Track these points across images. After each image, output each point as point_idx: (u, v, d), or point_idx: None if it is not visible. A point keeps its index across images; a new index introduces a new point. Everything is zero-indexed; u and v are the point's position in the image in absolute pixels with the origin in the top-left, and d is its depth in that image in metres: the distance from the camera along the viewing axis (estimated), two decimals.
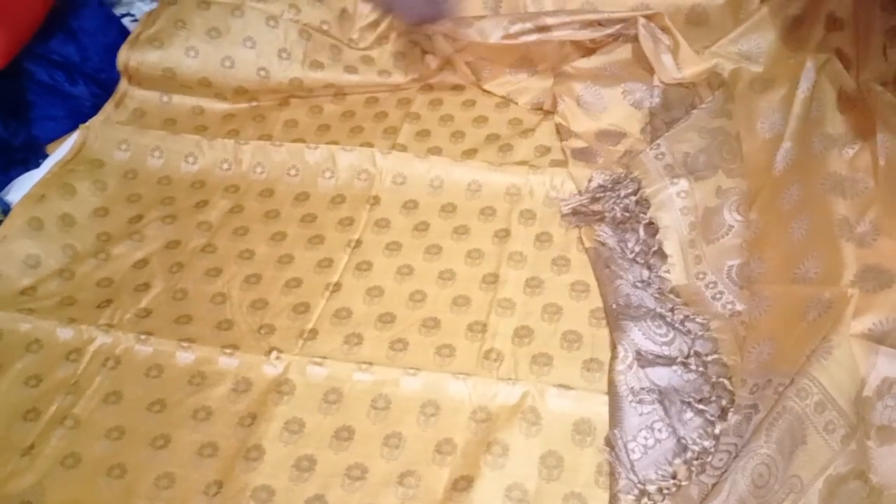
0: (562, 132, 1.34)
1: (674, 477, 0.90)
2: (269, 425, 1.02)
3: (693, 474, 0.89)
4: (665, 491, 0.89)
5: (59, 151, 1.44)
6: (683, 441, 0.92)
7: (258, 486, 0.96)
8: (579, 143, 1.31)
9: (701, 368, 0.98)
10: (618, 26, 1.34)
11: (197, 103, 1.54)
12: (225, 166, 1.42)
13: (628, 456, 0.91)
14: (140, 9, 1.66)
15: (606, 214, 1.18)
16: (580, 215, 1.21)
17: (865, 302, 0.90)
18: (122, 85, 1.54)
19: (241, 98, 1.53)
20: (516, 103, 1.46)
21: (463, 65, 1.49)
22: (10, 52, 1.37)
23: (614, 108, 1.35)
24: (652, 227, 1.14)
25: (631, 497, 0.89)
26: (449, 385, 1.03)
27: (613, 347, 1.02)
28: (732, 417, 0.91)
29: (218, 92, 1.51)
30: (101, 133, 1.46)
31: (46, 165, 1.41)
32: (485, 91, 1.50)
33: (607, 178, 1.23)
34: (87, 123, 1.47)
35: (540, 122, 1.40)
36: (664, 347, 1.01)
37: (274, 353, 1.09)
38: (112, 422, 1.05)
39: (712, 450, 0.90)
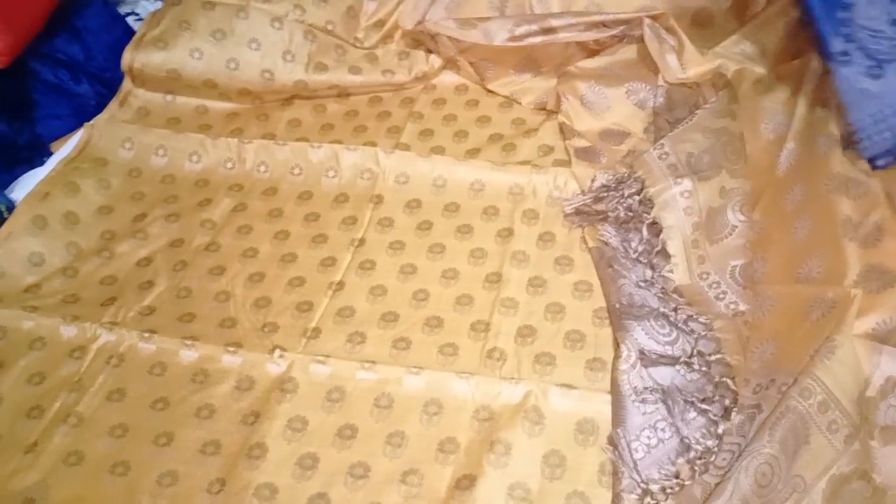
0: (565, 131, 1.34)
1: (677, 476, 0.90)
2: (272, 423, 1.02)
3: (696, 474, 0.89)
4: (668, 490, 0.89)
5: (64, 150, 1.45)
6: (686, 440, 0.92)
7: (261, 483, 0.96)
8: (583, 143, 1.31)
9: (704, 368, 0.98)
10: (622, 27, 1.34)
11: (201, 103, 1.54)
12: (229, 165, 1.42)
13: (631, 455, 0.91)
14: (145, 7, 1.67)
15: (610, 214, 1.18)
16: (583, 215, 1.21)
17: (869, 302, 0.90)
18: (126, 84, 1.55)
19: (245, 99, 1.53)
20: (520, 103, 1.46)
21: (467, 65, 1.49)
22: (14, 50, 1.38)
23: (618, 108, 1.35)
24: (655, 227, 1.14)
25: (634, 496, 0.89)
26: (452, 384, 1.03)
27: (616, 347, 1.02)
28: (736, 417, 0.91)
29: (222, 93, 1.52)
30: (105, 131, 1.46)
31: (51, 164, 1.42)
32: (488, 91, 1.50)
33: (611, 177, 1.23)
34: (91, 122, 1.48)
35: (543, 122, 1.40)
36: (667, 347, 1.01)
37: (277, 352, 1.09)
38: (115, 419, 1.05)
39: (715, 449, 0.90)
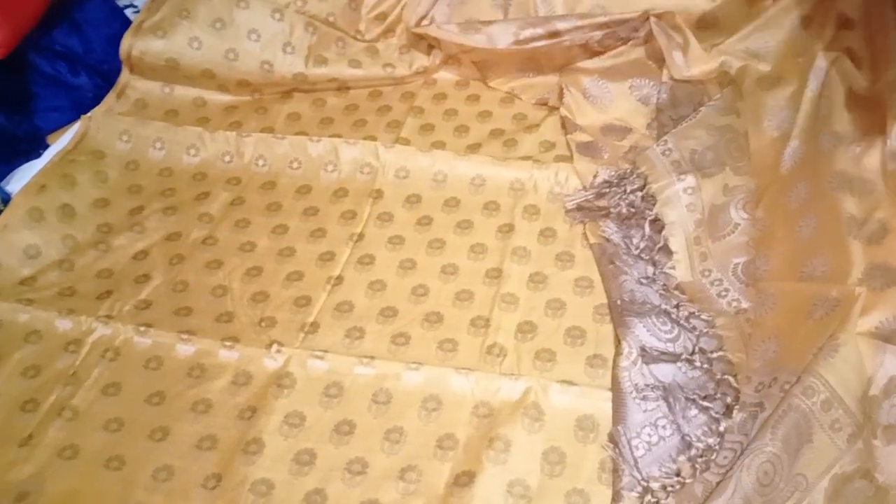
0: (567, 125, 1.33)
1: (678, 474, 0.89)
2: (269, 418, 1.01)
3: (697, 472, 0.88)
4: (669, 488, 0.88)
5: (60, 142, 1.43)
6: (688, 438, 0.91)
7: (257, 479, 0.95)
8: (584, 138, 1.30)
9: (706, 365, 0.97)
10: (627, 30, 1.33)
11: (199, 95, 1.53)
12: (227, 158, 1.41)
13: (632, 453, 0.91)
14: (143, 0, 1.66)
15: (611, 210, 1.17)
16: (585, 211, 1.20)
17: (873, 300, 0.89)
18: (124, 75, 1.53)
19: (243, 90, 1.52)
20: (521, 99, 1.45)
21: (468, 62, 1.48)
22: (12, 42, 1.37)
23: (621, 103, 1.34)
24: (657, 224, 1.13)
25: (634, 494, 0.88)
26: (451, 380, 1.02)
27: (617, 343, 1.02)
28: (737, 415, 0.90)
29: (221, 84, 1.51)
30: (102, 124, 1.45)
31: (47, 156, 1.41)
32: (489, 86, 1.49)
33: (613, 173, 1.23)
34: (88, 114, 1.47)
35: (545, 118, 1.39)
36: (669, 344, 1.00)
37: (274, 347, 1.08)
38: (111, 413, 1.04)
39: (717, 447, 0.89)
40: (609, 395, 0.97)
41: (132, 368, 1.09)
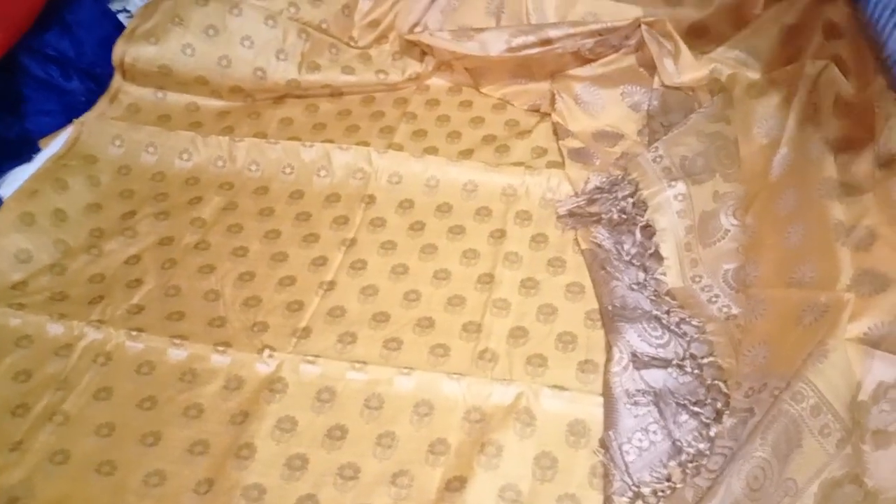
0: (559, 131, 1.34)
1: (668, 479, 0.89)
2: (260, 423, 1.01)
3: (688, 477, 0.89)
4: (659, 493, 0.88)
5: (53, 146, 1.43)
6: (678, 443, 0.92)
7: (249, 484, 0.95)
8: (576, 144, 1.31)
9: (696, 371, 0.98)
10: (619, 38, 1.34)
11: (192, 100, 1.53)
12: (219, 163, 1.41)
13: (623, 458, 0.91)
14: (136, 4, 1.66)
15: (603, 216, 1.18)
16: (576, 217, 1.21)
17: (861, 306, 0.90)
18: (117, 80, 1.53)
19: (236, 97, 1.52)
20: (513, 105, 1.46)
21: (461, 68, 1.49)
22: (4, 45, 1.36)
23: (612, 109, 1.35)
24: (648, 230, 1.14)
25: (625, 499, 0.88)
26: (443, 385, 1.02)
27: (609, 349, 1.02)
28: (728, 420, 0.91)
29: (214, 90, 1.51)
30: (94, 128, 1.45)
31: (39, 160, 1.40)
32: (482, 92, 1.49)
33: (604, 179, 1.23)
34: (80, 118, 1.46)
35: (537, 124, 1.40)
36: (659, 349, 1.01)
37: (267, 351, 1.08)
38: (102, 418, 1.04)
39: (707, 452, 0.90)
40: (600, 400, 0.98)
41: (124, 373, 1.09)
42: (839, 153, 1.09)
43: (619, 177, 1.22)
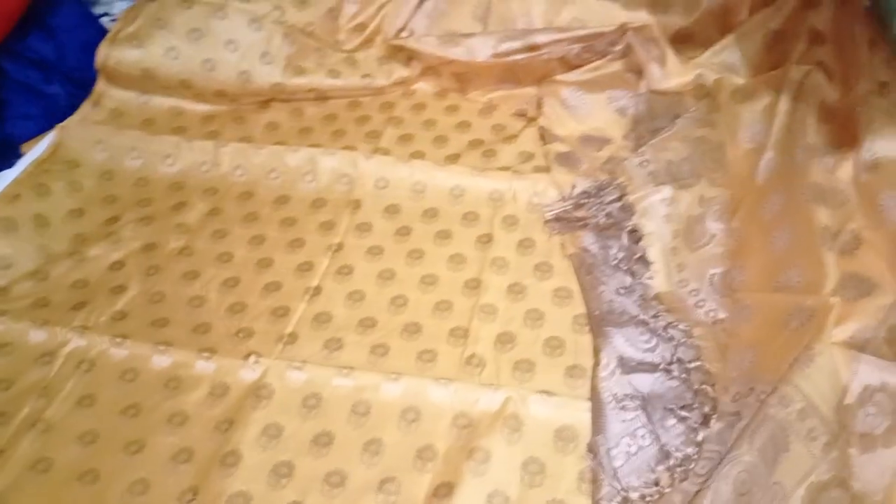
0: (545, 136, 1.34)
1: (656, 484, 0.89)
2: (246, 430, 1.00)
3: (676, 481, 0.88)
4: (648, 498, 0.88)
5: (35, 151, 1.41)
6: (666, 448, 0.91)
7: (234, 492, 0.94)
8: (563, 148, 1.31)
9: (683, 375, 0.98)
10: (605, 43, 1.35)
11: (176, 104, 1.52)
12: (204, 168, 1.40)
13: (611, 463, 0.91)
14: (119, 9, 1.64)
15: (590, 221, 1.18)
16: (563, 221, 1.21)
17: (847, 310, 0.90)
18: (100, 84, 1.52)
19: (221, 100, 1.51)
20: (500, 109, 1.46)
21: (447, 73, 1.49)
22: None
23: (598, 113, 1.35)
24: (635, 234, 1.14)
25: None
26: (430, 391, 1.02)
27: (596, 354, 1.02)
28: (715, 425, 0.91)
29: (198, 93, 1.50)
30: (77, 133, 1.44)
31: (21, 165, 1.39)
32: (468, 97, 1.49)
33: (591, 184, 1.23)
34: (63, 123, 1.45)
35: (524, 129, 1.40)
36: (647, 354, 1.01)
37: (252, 358, 1.07)
38: (85, 426, 1.02)
39: (695, 457, 0.90)
40: (588, 405, 0.98)
41: (107, 380, 1.07)
42: (824, 158, 1.09)
43: (606, 181, 1.22)
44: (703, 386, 0.96)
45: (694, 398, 0.96)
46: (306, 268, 1.21)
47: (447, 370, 1.04)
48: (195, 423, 1.02)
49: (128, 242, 1.27)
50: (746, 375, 0.94)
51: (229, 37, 1.46)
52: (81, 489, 0.96)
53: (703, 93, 1.29)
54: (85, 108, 1.49)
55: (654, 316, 1.05)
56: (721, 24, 1.40)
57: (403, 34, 1.51)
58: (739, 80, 1.30)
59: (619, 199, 1.18)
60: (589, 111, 1.35)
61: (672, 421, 0.94)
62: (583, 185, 1.24)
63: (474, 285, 1.15)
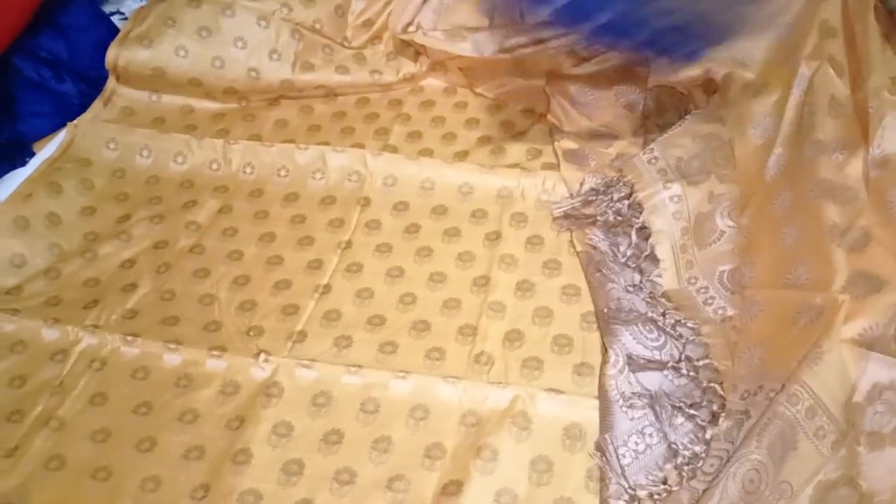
0: (554, 132, 1.34)
1: (664, 482, 0.89)
2: (256, 428, 1.01)
3: (684, 480, 0.88)
4: (655, 496, 0.88)
5: (47, 150, 1.43)
6: (674, 446, 0.92)
7: (245, 489, 0.95)
8: (571, 145, 1.31)
9: (692, 373, 0.98)
10: None
11: (186, 102, 1.53)
12: (214, 166, 1.41)
13: (619, 461, 0.91)
14: (130, 7, 1.65)
15: (598, 218, 1.18)
16: (572, 218, 1.21)
17: (856, 307, 0.90)
18: (111, 83, 1.53)
19: (230, 98, 1.52)
20: (508, 106, 1.45)
21: (455, 68, 1.49)
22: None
23: (607, 109, 1.34)
24: (644, 232, 1.14)
25: (621, 502, 0.88)
26: (439, 388, 1.02)
27: (604, 352, 1.02)
28: (723, 423, 0.91)
29: (208, 91, 1.50)
30: (88, 131, 1.45)
31: (34, 164, 1.40)
32: (476, 93, 1.49)
33: (599, 181, 1.23)
34: (74, 121, 1.46)
35: (532, 125, 1.39)
36: (655, 352, 1.01)
37: (262, 356, 1.08)
38: (97, 424, 1.04)
39: (703, 455, 0.90)
40: (596, 403, 0.98)
41: (119, 378, 1.09)
42: (834, 154, 1.09)
43: (615, 178, 1.22)
44: (712, 384, 0.96)
45: (702, 396, 0.95)
46: (316, 265, 1.21)
47: (455, 368, 1.05)
48: (206, 421, 1.03)
49: (139, 241, 1.28)
50: (755, 373, 0.93)
51: (237, 35, 1.46)
52: (94, 486, 0.97)
53: (712, 88, 1.28)
54: (96, 107, 1.51)
55: (663, 314, 1.05)
56: None
57: (410, 29, 1.51)
58: (750, 75, 1.29)
59: (628, 196, 1.18)
60: (597, 107, 1.35)
61: (680, 419, 0.94)
62: (591, 182, 1.24)
63: (483, 283, 1.16)
